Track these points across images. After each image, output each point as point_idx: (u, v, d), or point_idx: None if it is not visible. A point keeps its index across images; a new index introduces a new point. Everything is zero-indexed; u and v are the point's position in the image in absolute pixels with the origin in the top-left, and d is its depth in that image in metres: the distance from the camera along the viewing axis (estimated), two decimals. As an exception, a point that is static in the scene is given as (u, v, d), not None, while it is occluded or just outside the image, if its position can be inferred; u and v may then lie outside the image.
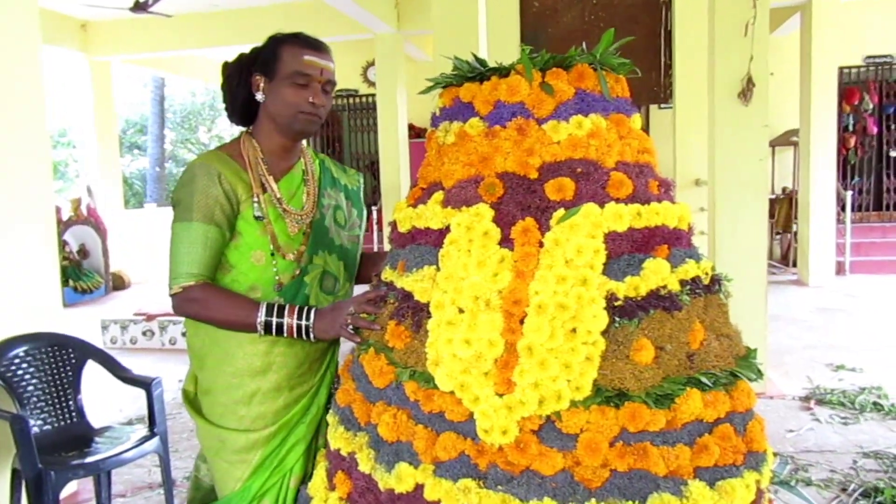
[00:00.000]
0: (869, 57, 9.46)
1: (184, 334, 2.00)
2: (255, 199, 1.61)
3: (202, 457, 1.79)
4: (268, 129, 1.66)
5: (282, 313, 1.55)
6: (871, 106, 9.45)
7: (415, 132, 9.65)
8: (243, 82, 1.65)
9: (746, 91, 4.10)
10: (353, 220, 1.83)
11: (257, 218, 1.61)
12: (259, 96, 1.63)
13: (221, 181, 1.57)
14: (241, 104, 1.68)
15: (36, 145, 3.11)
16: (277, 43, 1.62)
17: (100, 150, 9.62)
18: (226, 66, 1.69)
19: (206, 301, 1.55)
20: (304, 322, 1.55)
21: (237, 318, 1.55)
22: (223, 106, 1.75)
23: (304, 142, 1.80)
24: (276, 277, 1.63)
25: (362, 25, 8.22)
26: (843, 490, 3.00)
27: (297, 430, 1.67)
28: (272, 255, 1.63)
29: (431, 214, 1.41)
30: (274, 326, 1.55)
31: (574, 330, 1.22)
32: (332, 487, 1.48)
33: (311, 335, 1.56)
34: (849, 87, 9.35)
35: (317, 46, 1.62)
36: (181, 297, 1.56)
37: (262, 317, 1.54)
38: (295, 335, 1.56)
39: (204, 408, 1.68)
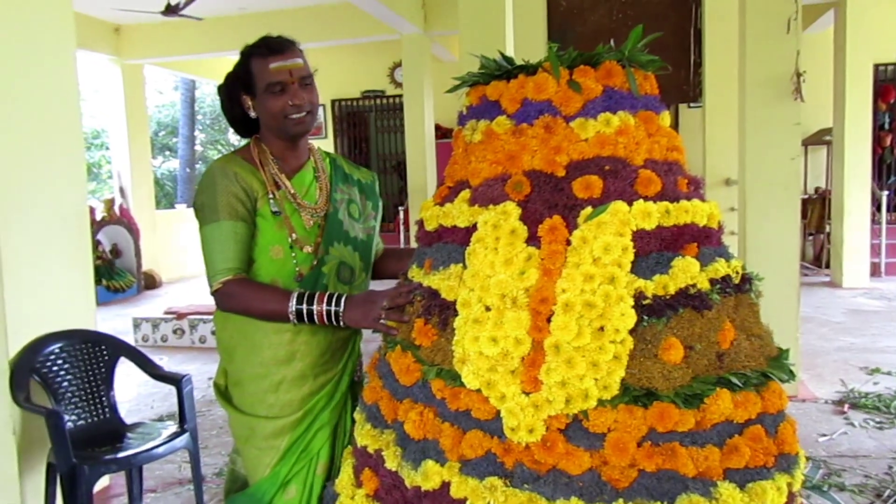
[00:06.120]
0: (905, 54, 9.23)
1: (213, 332, 2.05)
2: (271, 196, 1.69)
3: (237, 450, 1.85)
4: (270, 135, 1.75)
5: (312, 301, 1.59)
6: (907, 104, 9.23)
7: (441, 133, 9.64)
8: (235, 102, 1.75)
9: (798, 87, 3.99)
10: (367, 213, 1.89)
11: (275, 213, 1.69)
12: (252, 114, 1.74)
13: (238, 179, 1.66)
14: (239, 120, 1.78)
15: (70, 147, 3.17)
16: (247, 58, 1.69)
17: (132, 151, 9.78)
18: (219, 89, 1.79)
19: (243, 295, 1.62)
20: (333, 308, 1.59)
21: (271, 308, 1.61)
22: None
23: (314, 142, 1.87)
24: (297, 269, 1.70)
25: (389, 27, 8.24)
26: (878, 496, 2.93)
27: (321, 416, 1.73)
28: (291, 247, 1.70)
29: (458, 213, 1.41)
30: (305, 314, 1.59)
31: (602, 328, 1.21)
32: (358, 484, 1.49)
33: (341, 321, 1.59)
34: (884, 85, 9.13)
35: (280, 49, 1.67)
36: (221, 293, 1.64)
37: (293, 305, 1.59)
38: (325, 321, 1.60)
39: (234, 398, 1.76)
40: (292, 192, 1.73)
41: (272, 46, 1.68)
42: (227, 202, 1.64)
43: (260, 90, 1.68)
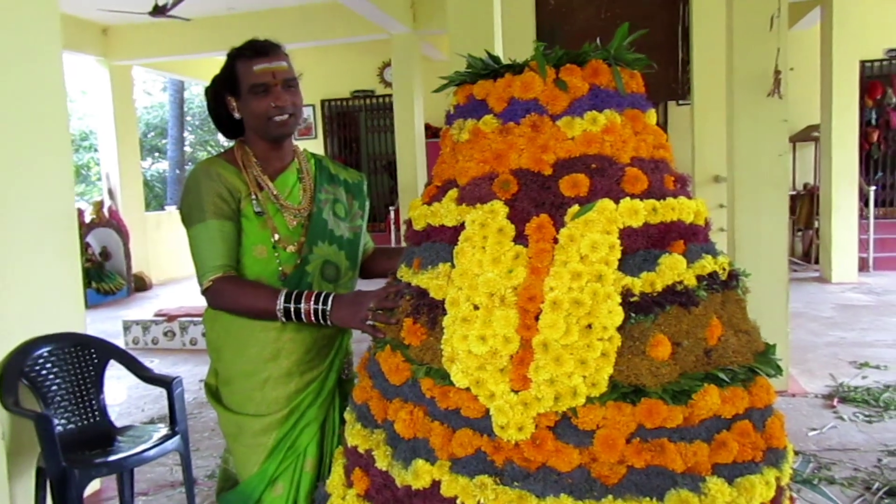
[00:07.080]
0: (891, 50, 9.30)
1: (203, 334, 2.06)
2: (254, 197, 1.72)
3: (229, 449, 1.86)
4: (254, 137, 1.77)
5: (300, 299, 1.61)
6: (893, 100, 9.28)
7: (431, 132, 9.64)
8: (220, 104, 1.78)
9: (776, 85, 4.02)
10: (354, 212, 1.91)
11: (257, 213, 1.71)
12: (236, 115, 1.76)
13: (222, 179, 1.69)
14: (224, 122, 1.81)
15: (58, 149, 3.16)
16: (232, 60, 1.73)
17: (121, 153, 9.73)
18: (206, 91, 1.82)
19: (233, 292, 1.65)
20: (320, 307, 1.60)
21: (260, 306, 1.63)
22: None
23: (299, 144, 1.90)
24: (280, 268, 1.73)
25: (378, 26, 8.24)
26: (868, 489, 2.96)
27: (308, 413, 1.75)
28: (274, 247, 1.73)
29: (446, 212, 1.41)
30: (293, 312, 1.61)
31: (589, 326, 1.21)
32: (349, 484, 1.49)
33: (328, 320, 1.60)
34: (871, 81, 9.20)
35: (265, 52, 1.70)
36: (211, 291, 1.66)
37: (281, 304, 1.61)
38: (313, 319, 1.61)
39: (224, 397, 1.78)
40: (275, 192, 1.75)
41: (257, 49, 1.70)
42: (212, 202, 1.66)
43: (244, 91, 1.70)
